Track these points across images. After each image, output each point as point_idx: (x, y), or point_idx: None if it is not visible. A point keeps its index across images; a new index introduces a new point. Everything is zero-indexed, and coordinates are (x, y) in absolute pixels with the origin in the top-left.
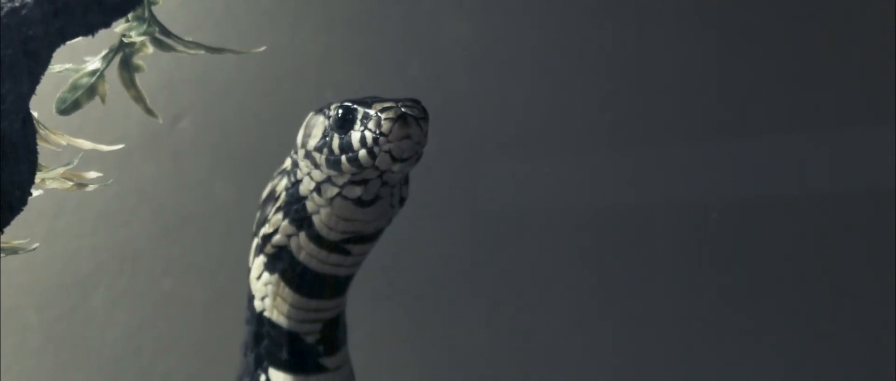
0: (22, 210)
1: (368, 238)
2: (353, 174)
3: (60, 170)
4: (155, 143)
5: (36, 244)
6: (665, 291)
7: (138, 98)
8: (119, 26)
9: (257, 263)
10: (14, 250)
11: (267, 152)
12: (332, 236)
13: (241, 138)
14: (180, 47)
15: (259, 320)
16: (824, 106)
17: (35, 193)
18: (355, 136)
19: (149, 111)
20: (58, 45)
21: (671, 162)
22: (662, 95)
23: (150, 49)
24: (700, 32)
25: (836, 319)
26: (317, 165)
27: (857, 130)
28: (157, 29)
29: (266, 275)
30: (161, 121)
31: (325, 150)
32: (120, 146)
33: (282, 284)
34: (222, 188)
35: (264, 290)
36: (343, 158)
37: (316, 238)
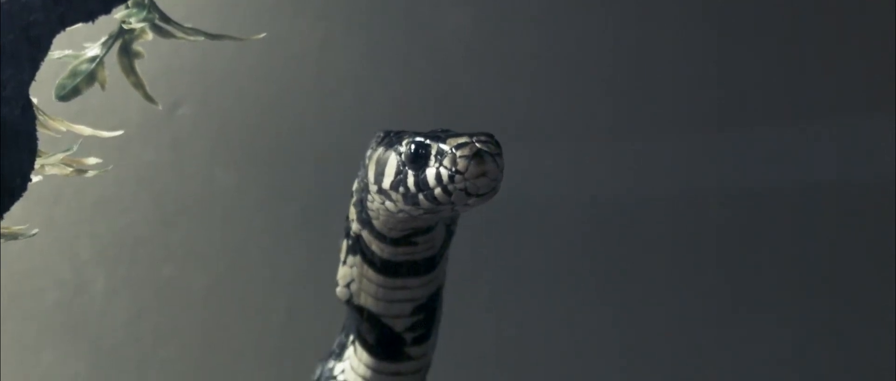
0: (22, 196)
1: (430, 229)
2: (428, 209)
3: (60, 156)
4: (154, 130)
5: (35, 230)
6: (665, 282)
7: (138, 85)
8: (119, 13)
9: (343, 246)
10: (14, 236)
11: (266, 140)
12: (394, 234)
13: (240, 126)
14: (180, 34)
15: (348, 304)
16: (825, 96)
17: (35, 179)
18: (431, 173)
19: (148, 98)
20: (58, 32)
21: (671, 153)
22: (663, 85)
23: (150, 36)
24: (701, 23)
25: (836, 310)
26: (392, 200)
27: (858, 121)
28: (156, 15)
29: (350, 257)
30: (160, 108)
31: (402, 187)
32: (119, 133)
33: (364, 265)
34: (222, 175)
35: (350, 274)
36: (421, 195)
37: (379, 236)
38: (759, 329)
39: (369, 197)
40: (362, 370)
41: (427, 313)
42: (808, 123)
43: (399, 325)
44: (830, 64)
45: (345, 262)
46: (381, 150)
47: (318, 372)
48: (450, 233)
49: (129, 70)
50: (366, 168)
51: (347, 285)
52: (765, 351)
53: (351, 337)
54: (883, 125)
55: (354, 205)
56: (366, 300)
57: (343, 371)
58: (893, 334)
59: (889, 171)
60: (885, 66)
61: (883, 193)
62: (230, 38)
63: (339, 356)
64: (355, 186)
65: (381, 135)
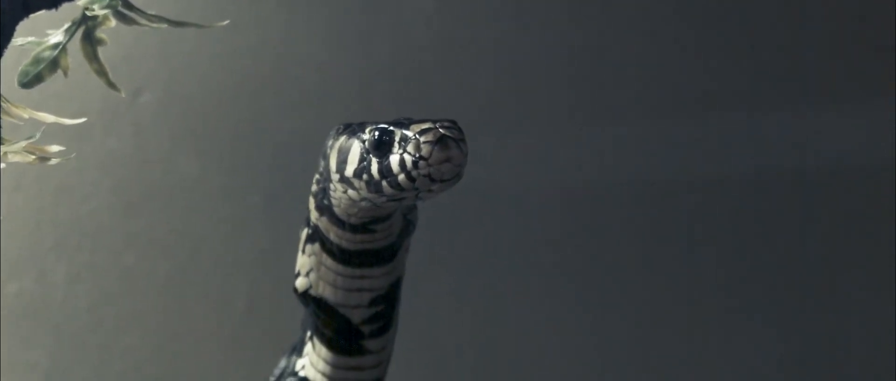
0: None
1: (389, 217)
2: (392, 196)
3: (23, 143)
4: (116, 117)
5: None
6: (640, 272)
7: (101, 72)
8: (82, 0)
9: (303, 236)
10: None
11: (229, 127)
12: (353, 220)
13: (202, 113)
14: (143, 21)
15: (304, 298)
16: (820, 81)
17: None
18: (394, 159)
19: (111, 85)
20: (21, 18)
21: (650, 139)
22: (644, 69)
23: (113, 22)
24: (684, 4)
25: (831, 300)
26: (354, 188)
27: (856, 106)
28: (119, 2)
29: (309, 246)
30: (123, 95)
31: (365, 175)
32: (82, 120)
33: (323, 254)
34: (184, 163)
35: (309, 263)
36: (384, 182)
37: (338, 222)
38: (745, 320)
39: (332, 186)
40: (322, 365)
41: (386, 305)
42: (797, 106)
43: (357, 316)
44: (825, 48)
45: (303, 251)
46: (343, 138)
47: (281, 366)
48: (408, 222)
49: (92, 57)
50: (327, 158)
51: (307, 274)
52: (751, 343)
53: (309, 333)
54: (882, 111)
55: (314, 195)
56: (324, 290)
57: (303, 367)
58: (893, 322)
59: (889, 157)
60: (884, 50)
61: (882, 179)
62: (193, 25)
63: (299, 352)
64: (315, 177)
65: (341, 127)
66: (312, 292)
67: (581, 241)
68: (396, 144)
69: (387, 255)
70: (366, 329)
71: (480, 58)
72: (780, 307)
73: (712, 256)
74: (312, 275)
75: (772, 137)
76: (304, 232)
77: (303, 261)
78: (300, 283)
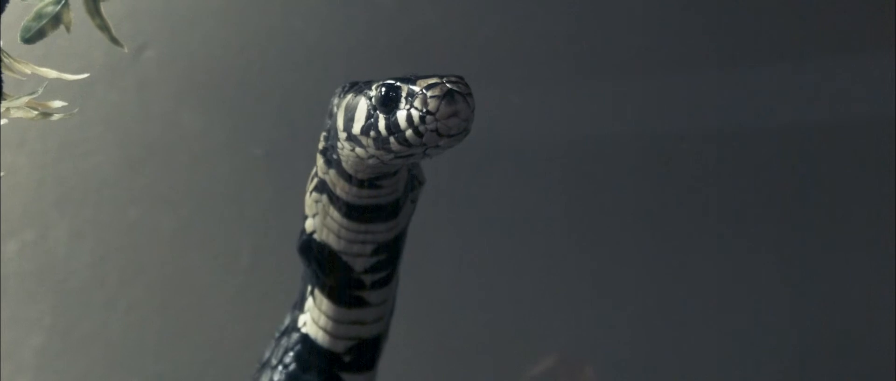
0: None
1: (396, 172)
2: (399, 153)
3: (25, 99)
4: (119, 72)
5: (1, 173)
6: (643, 226)
7: (103, 27)
8: None
9: (311, 184)
10: None
11: (232, 81)
12: (361, 175)
13: (206, 68)
14: None
15: (307, 247)
16: (821, 34)
17: (0, 122)
18: (401, 115)
19: (114, 40)
20: None
21: (654, 93)
22: (643, 21)
23: None
24: None
25: (831, 253)
26: (362, 146)
27: (856, 59)
28: None
29: (315, 194)
30: (126, 50)
31: (372, 131)
32: (85, 76)
33: (330, 206)
34: (187, 118)
35: (315, 207)
36: (392, 139)
37: (346, 177)
38: (746, 272)
39: (339, 144)
40: (323, 320)
41: (388, 255)
42: (800, 61)
43: (359, 264)
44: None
45: (310, 195)
46: (349, 96)
47: (286, 322)
48: (413, 177)
49: (95, 12)
50: (334, 116)
51: (314, 216)
52: (752, 293)
53: (310, 287)
54: (881, 64)
55: (321, 153)
56: (328, 237)
57: (305, 324)
58: (893, 273)
59: (889, 111)
60: (884, 2)
61: (882, 133)
62: None
63: (301, 308)
64: (323, 134)
65: (348, 85)
66: (317, 236)
67: (584, 195)
68: (403, 100)
69: (391, 210)
70: (367, 279)
71: (485, 12)
72: (783, 257)
73: (714, 210)
74: (318, 219)
75: (773, 90)
76: (314, 182)
77: (310, 202)
78: (309, 224)
